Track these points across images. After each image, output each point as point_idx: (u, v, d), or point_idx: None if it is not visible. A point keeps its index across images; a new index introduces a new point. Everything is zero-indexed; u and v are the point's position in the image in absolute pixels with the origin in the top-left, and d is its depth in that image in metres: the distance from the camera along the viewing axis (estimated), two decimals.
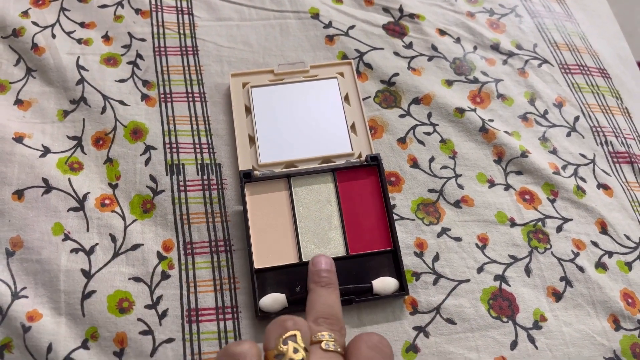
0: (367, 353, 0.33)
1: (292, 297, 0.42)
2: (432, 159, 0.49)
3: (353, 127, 0.50)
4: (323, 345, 0.33)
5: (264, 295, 0.42)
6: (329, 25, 0.56)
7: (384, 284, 0.43)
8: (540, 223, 0.47)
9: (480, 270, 0.44)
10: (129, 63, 0.53)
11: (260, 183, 0.47)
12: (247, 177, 0.46)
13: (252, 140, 0.49)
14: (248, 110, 0.50)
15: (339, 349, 0.33)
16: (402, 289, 0.43)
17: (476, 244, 0.46)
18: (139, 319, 0.41)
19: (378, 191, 0.47)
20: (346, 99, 0.51)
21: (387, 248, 0.45)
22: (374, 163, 0.47)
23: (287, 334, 0.32)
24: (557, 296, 0.44)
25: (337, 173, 0.47)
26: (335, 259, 0.44)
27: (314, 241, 0.45)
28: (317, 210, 0.46)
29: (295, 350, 0.31)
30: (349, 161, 0.48)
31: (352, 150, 0.48)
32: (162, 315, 0.41)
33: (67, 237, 0.44)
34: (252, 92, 0.51)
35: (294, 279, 0.43)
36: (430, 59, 0.55)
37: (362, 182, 0.47)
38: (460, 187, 0.48)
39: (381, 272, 0.44)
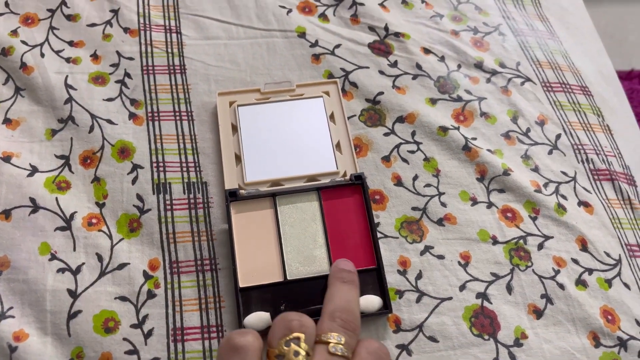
0: (367, 358, 0.33)
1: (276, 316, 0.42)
2: (415, 177, 0.50)
3: (338, 145, 0.50)
4: (330, 348, 0.32)
5: (248, 314, 0.42)
6: (315, 44, 0.57)
7: (368, 302, 0.43)
8: (521, 241, 0.48)
9: (462, 288, 0.45)
10: (117, 82, 0.53)
11: (245, 202, 0.47)
12: (232, 196, 0.47)
13: (238, 158, 0.49)
14: (235, 128, 0.51)
15: (346, 354, 0.32)
16: (386, 307, 0.43)
17: (459, 262, 0.46)
18: (124, 339, 0.41)
19: (362, 210, 0.47)
20: (332, 117, 0.52)
21: (371, 266, 0.45)
22: (358, 182, 0.48)
23: (291, 336, 0.32)
24: (538, 313, 0.45)
25: (322, 192, 0.48)
26: (320, 277, 0.44)
27: (299, 259, 0.45)
28: (302, 228, 0.47)
29: (296, 354, 0.31)
30: (334, 180, 0.48)
31: (337, 168, 0.49)
32: (148, 335, 0.42)
33: (53, 257, 0.44)
34: (239, 111, 0.51)
35: (278, 298, 0.43)
36: (414, 77, 0.56)
37: (346, 200, 0.48)
38: (444, 205, 0.49)
39: (365, 290, 0.44)
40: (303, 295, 0.44)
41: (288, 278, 0.44)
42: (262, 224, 0.47)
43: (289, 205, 0.47)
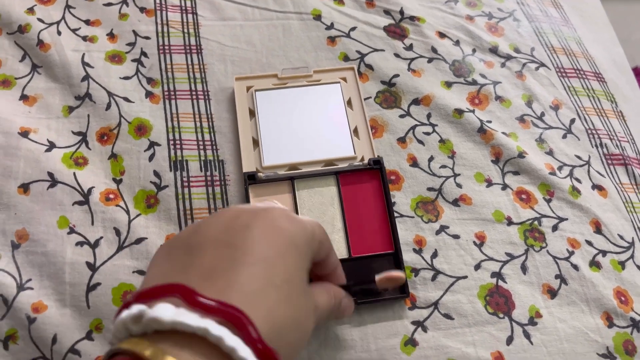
0: None
1: None
2: (431, 159, 0.50)
3: (356, 130, 0.50)
4: None
5: None
6: (330, 26, 0.57)
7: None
8: (536, 222, 0.48)
9: (477, 267, 0.45)
10: (133, 60, 0.53)
11: (264, 185, 0.47)
12: (251, 179, 0.47)
13: (255, 143, 0.49)
14: (252, 113, 0.51)
15: None
16: (403, 290, 0.43)
17: (474, 242, 0.47)
18: None
19: (380, 195, 0.47)
20: (349, 103, 0.52)
21: (389, 250, 0.45)
22: (376, 167, 0.48)
23: None
24: (552, 293, 0.45)
25: (340, 176, 0.48)
26: None
27: None
28: (320, 212, 0.47)
29: None
30: (352, 164, 0.48)
31: (355, 153, 0.49)
32: None
33: (72, 231, 0.44)
34: (256, 96, 0.51)
35: None
36: (430, 60, 0.56)
37: (364, 185, 0.48)
38: (459, 186, 0.49)
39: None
40: None
41: None
42: None
43: (308, 189, 0.47)
